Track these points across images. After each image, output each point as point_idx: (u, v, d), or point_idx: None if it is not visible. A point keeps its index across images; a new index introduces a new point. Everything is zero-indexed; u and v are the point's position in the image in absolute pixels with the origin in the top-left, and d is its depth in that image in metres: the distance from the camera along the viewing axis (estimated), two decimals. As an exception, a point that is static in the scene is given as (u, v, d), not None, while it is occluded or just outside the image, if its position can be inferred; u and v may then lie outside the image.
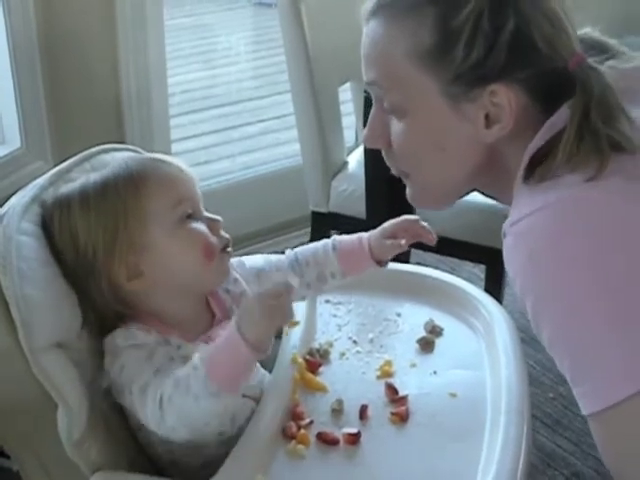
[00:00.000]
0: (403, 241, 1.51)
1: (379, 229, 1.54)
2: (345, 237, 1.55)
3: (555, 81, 1.22)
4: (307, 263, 1.55)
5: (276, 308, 1.26)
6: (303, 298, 1.59)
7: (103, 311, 1.39)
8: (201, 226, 1.40)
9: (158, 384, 1.28)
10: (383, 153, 1.35)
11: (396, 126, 1.29)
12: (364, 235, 1.54)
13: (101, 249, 1.36)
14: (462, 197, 1.38)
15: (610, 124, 1.17)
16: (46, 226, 1.39)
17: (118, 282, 1.37)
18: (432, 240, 1.53)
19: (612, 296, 1.09)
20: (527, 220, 1.15)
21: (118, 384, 1.33)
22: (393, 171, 1.37)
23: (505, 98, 1.21)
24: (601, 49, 1.29)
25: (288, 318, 1.30)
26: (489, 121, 1.23)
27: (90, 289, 1.38)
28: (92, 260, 1.36)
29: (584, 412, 1.12)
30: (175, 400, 1.26)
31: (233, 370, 1.27)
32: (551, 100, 1.22)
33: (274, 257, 1.58)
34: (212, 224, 1.41)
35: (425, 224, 1.54)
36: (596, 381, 1.10)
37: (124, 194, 1.36)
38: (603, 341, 1.09)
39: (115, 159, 1.47)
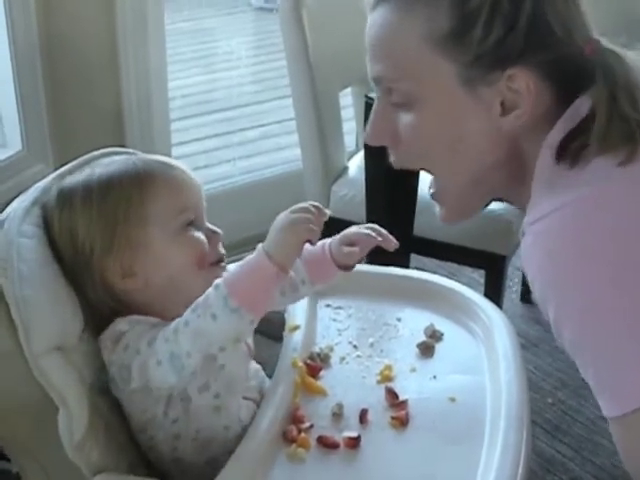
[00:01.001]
0: (357, 249, 1.48)
1: (340, 235, 1.51)
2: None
3: (571, 69, 1.21)
4: None
5: (300, 220, 1.28)
6: (283, 307, 1.59)
7: (99, 309, 1.39)
8: (200, 236, 1.40)
9: (164, 329, 1.30)
10: (390, 152, 1.32)
11: (406, 119, 1.26)
12: (327, 241, 1.51)
13: (99, 245, 1.36)
14: (483, 207, 1.35)
15: (638, 109, 1.16)
16: (47, 221, 1.40)
17: (112, 280, 1.38)
18: (391, 246, 1.48)
19: (634, 292, 1.08)
20: (547, 219, 1.13)
21: (122, 365, 1.32)
22: (398, 166, 1.33)
23: (524, 83, 1.19)
24: None
25: (313, 234, 1.29)
26: (505, 108, 1.21)
27: (86, 286, 1.38)
28: (89, 256, 1.37)
29: (606, 415, 1.11)
30: (192, 322, 1.27)
31: (254, 285, 1.27)
32: (567, 91, 1.21)
33: None
34: (212, 236, 1.42)
35: (384, 230, 1.50)
36: (619, 383, 1.09)
37: (128, 191, 1.37)
38: (625, 341, 1.08)
39: (121, 158, 1.47)
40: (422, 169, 1.34)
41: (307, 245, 1.36)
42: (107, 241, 1.36)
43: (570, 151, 1.17)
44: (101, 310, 1.39)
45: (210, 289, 1.28)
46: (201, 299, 1.28)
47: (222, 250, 1.43)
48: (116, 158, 1.47)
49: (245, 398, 1.43)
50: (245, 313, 1.26)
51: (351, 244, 1.49)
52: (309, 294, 1.60)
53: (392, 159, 1.33)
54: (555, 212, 1.13)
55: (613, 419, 1.10)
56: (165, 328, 1.30)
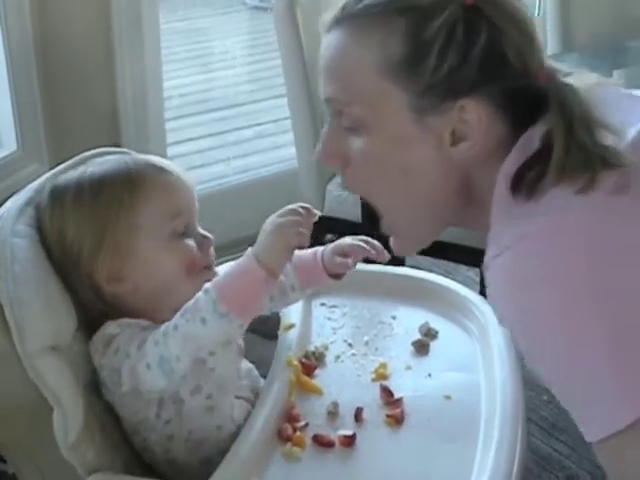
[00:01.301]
0: (350, 261, 1.51)
1: (334, 244, 1.53)
2: (302, 251, 1.50)
3: (526, 99, 1.19)
4: None
5: (288, 224, 1.28)
6: (270, 311, 1.58)
7: (90, 310, 1.39)
8: (191, 243, 1.40)
9: (154, 331, 1.30)
10: (338, 171, 1.30)
11: (356, 143, 1.24)
12: (320, 249, 1.53)
13: (87, 246, 1.36)
14: (435, 236, 1.32)
15: (595, 140, 1.14)
16: (39, 220, 1.40)
17: (100, 283, 1.38)
18: (384, 259, 1.50)
19: (602, 317, 1.06)
20: (508, 252, 1.11)
21: (112, 369, 1.33)
22: (349, 190, 1.33)
23: (475, 114, 1.17)
24: None
25: (302, 237, 1.29)
26: (455, 138, 1.19)
27: (76, 286, 1.38)
28: (77, 257, 1.37)
29: (588, 440, 1.09)
30: (181, 326, 1.27)
31: (243, 290, 1.28)
32: (521, 121, 1.19)
33: None
34: (203, 241, 1.42)
35: (377, 243, 1.52)
36: (595, 408, 1.07)
37: (120, 194, 1.36)
38: (600, 367, 1.06)
39: (115, 157, 1.46)
40: (369, 199, 1.31)
41: (300, 251, 1.38)
42: (96, 243, 1.36)
43: (526, 182, 1.14)
44: (92, 311, 1.39)
45: (200, 293, 1.28)
46: (190, 303, 1.28)
47: (212, 255, 1.43)
48: (109, 158, 1.46)
49: (237, 397, 1.44)
50: (234, 317, 1.26)
51: (344, 255, 1.51)
52: (299, 299, 1.60)
53: (342, 182, 1.32)
54: (515, 245, 1.10)
55: (597, 444, 1.08)
56: (155, 331, 1.30)
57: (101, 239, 1.36)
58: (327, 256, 1.52)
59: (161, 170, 1.41)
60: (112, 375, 1.33)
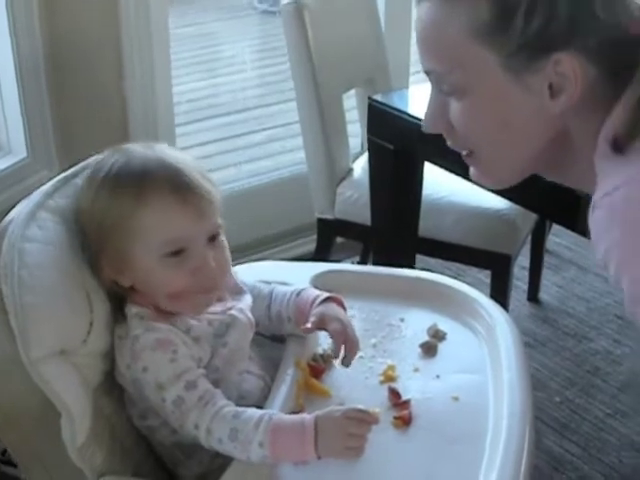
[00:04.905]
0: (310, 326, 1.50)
1: (321, 313, 1.51)
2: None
3: (619, 51, 1.19)
4: (275, 300, 1.57)
5: (355, 440, 1.30)
6: (266, 332, 1.60)
7: (113, 296, 1.42)
8: (182, 269, 1.38)
9: (199, 410, 1.31)
10: (445, 135, 1.33)
11: (457, 107, 1.27)
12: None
13: (94, 244, 1.39)
14: (524, 178, 1.35)
15: None
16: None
17: (108, 275, 1.40)
18: (344, 364, 1.51)
19: None
20: (622, 190, 1.12)
21: (138, 379, 1.35)
22: (456, 149, 1.34)
23: (570, 67, 1.18)
24: None
25: (361, 454, 1.31)
26: (554, 91, 1.21)
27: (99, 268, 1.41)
28: (93, 253, 1.40)
29: None
30: (227, 446, 1.30)
31: (291, 458, 1.32)
32: (616, 72, 1.20)
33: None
34: (201, 266, 1.39)
35: (356, 344, 1.51)
36: None
37: (126, 202, 1.36)
38: None
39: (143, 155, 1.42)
40: (472, 153, 1.33)
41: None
42: (101, 241, 1.38)
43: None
44: (116, 299, 1.42)
45: (254, 435, 1.29)
46: (243, 434, 1.30)
47: (214, 277, 1.41)
48: (140, 153, 1.42)
49: (248, 372, 1.47)
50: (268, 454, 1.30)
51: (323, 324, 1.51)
52: (290, 332, 1.57)
53: (449, 143, 1.34)
54: (630, 182, 1.12)
55: None
56: (190, 399, 1.32)
57: (105, 240, 1.37)
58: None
59: (175, 188, 1.37)
60: (135, 383, 1.35)
